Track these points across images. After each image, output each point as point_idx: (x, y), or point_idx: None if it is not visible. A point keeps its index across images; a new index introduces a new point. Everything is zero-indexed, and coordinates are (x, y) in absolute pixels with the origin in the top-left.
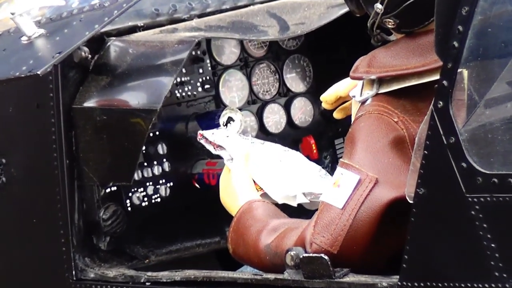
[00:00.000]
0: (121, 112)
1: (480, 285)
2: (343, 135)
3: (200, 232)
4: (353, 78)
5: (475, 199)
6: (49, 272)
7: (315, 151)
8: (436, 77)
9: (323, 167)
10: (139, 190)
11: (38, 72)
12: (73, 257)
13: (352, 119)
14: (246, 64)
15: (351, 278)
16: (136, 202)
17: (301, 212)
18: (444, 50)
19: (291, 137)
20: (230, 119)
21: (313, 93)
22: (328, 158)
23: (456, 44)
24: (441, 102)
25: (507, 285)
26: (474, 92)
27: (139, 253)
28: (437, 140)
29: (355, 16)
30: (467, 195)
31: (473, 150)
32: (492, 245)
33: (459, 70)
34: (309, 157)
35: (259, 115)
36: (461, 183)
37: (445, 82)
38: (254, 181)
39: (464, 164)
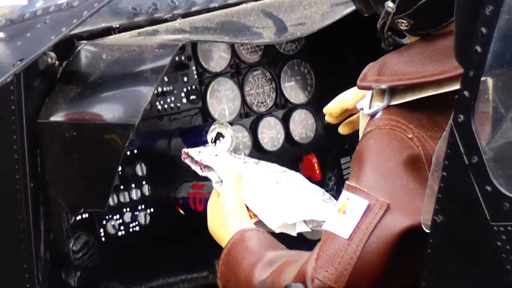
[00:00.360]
0: (94, 128)
1: None
2: (349, 153)
3: (185, 265)
4: (361, 87)
5: (501, 228)
6: None
7: (317, 171)
8: (456, 86)
9: (327, 190)
10: (115, 217)
11: None
12: None
13: (360, 134)
14: (237, 71)
15: None
16: (111, 231)
17: (302, 242)
18: (465, 55)
19: (290, 155)
20: (219, 135)
21: (315, 105)
22: (332, 179)
23: (478, 48)
24: (462, 116)
25: None
26: (500, 104)
27: None
28: (458, 160)
29: (363, 16)
30: (492, 223)
31: (499, 171)
32: None
33: (482, 78)
34: (311, 179)
35: (253, 130)
36: (485, 210)
37: (466, 93)
38: (247, 207)
39: (488, 188)
